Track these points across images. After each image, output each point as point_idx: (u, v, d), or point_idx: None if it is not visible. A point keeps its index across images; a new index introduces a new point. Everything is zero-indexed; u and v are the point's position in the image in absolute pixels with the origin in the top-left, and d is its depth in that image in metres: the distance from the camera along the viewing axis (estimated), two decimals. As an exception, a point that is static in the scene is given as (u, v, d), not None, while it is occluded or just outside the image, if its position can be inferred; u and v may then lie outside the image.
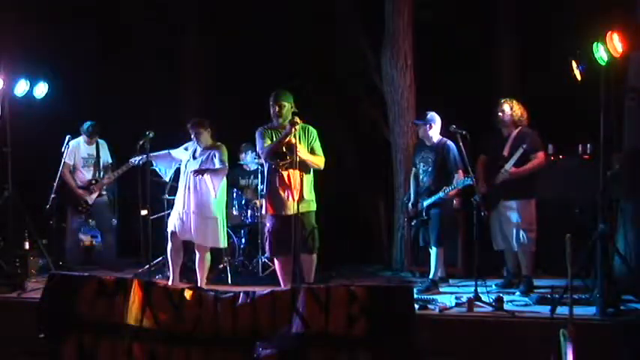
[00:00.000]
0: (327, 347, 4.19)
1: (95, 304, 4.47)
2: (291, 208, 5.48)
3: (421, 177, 6.34)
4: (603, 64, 5.26)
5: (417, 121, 6.43)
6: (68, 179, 7.37)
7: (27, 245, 6.87)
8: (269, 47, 8.73)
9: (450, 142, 6.13)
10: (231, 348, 4.37)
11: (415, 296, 5.12)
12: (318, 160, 5.67)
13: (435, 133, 6.26)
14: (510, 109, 6.13)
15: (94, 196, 7.52)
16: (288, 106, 5.65)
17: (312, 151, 5.66)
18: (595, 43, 5.28)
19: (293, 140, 5.45)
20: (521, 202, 6.04)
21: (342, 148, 8.42)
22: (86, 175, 7.53)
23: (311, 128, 5.71)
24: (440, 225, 6.17)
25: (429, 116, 6.26)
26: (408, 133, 7.62)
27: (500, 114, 6.18)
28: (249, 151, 7.49)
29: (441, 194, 6.04)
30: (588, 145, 6.97)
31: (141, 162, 6.50)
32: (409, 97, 7.68)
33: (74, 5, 8.60)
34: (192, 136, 6.29)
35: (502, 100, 6.24)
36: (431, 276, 6.20)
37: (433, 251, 6.20)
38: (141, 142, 6.23)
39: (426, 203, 6.19)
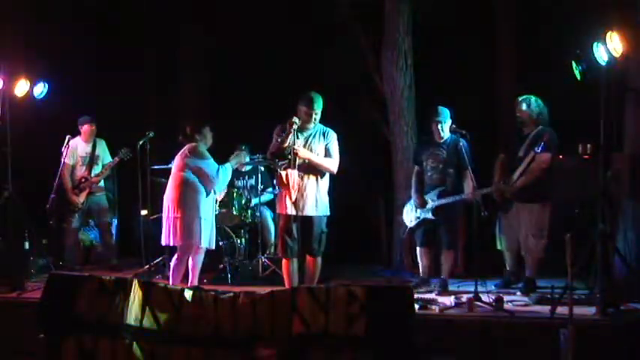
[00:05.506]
0: (327, 347, 4.19)
1: (95, 303, 4.46)
2: (291, 208, 5.47)
3: (429, 174, 6.23)
4: (603, 64, 5.26)
5: (439, 118, 6.14)
6: (65, 180, 7.33)
7: (27, 245, 6.87)
8: (269, 48, 8.73)
9: (462, 139, 5.99)
10: (231, 348, 4.37)
11: (415, 296, 5.12)
12: (329, 163, 5.59)
13: (447, 128, 6.17)
14: (528, 106, 6.00)
15: (84, 194, 7.49)
16: (319, 114, 5.61)
17: (326, 154, 5.61)
18: (595, 43, 5.28)
19: (290, 140, 5.43)
20: (535, 205, 5.96)
21: (341, 147, 8.40)
22: (82, 173, 7.51)
23: (331, 131, 5.68)
24: (456, 228, 6.17)
25: (443, 112, 6.13)
26: (409, 133, 7.61)
27: (518, 113, 6.05)
28: (244, 154, 7.58)
29: (462, 196, 5.96)
30: (588, 145, 6.94)
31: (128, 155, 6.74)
32: (409, 97, 7.68)
33: (74, 5, 8.59)
34: (210, 139, 6.13)
35: (519, 99, 6.08)
36: (444, 275, 6.23)
37: (447, 253, 6.18)
38: (141, 142, 6.24)
39: (437, 203, 6.08)
